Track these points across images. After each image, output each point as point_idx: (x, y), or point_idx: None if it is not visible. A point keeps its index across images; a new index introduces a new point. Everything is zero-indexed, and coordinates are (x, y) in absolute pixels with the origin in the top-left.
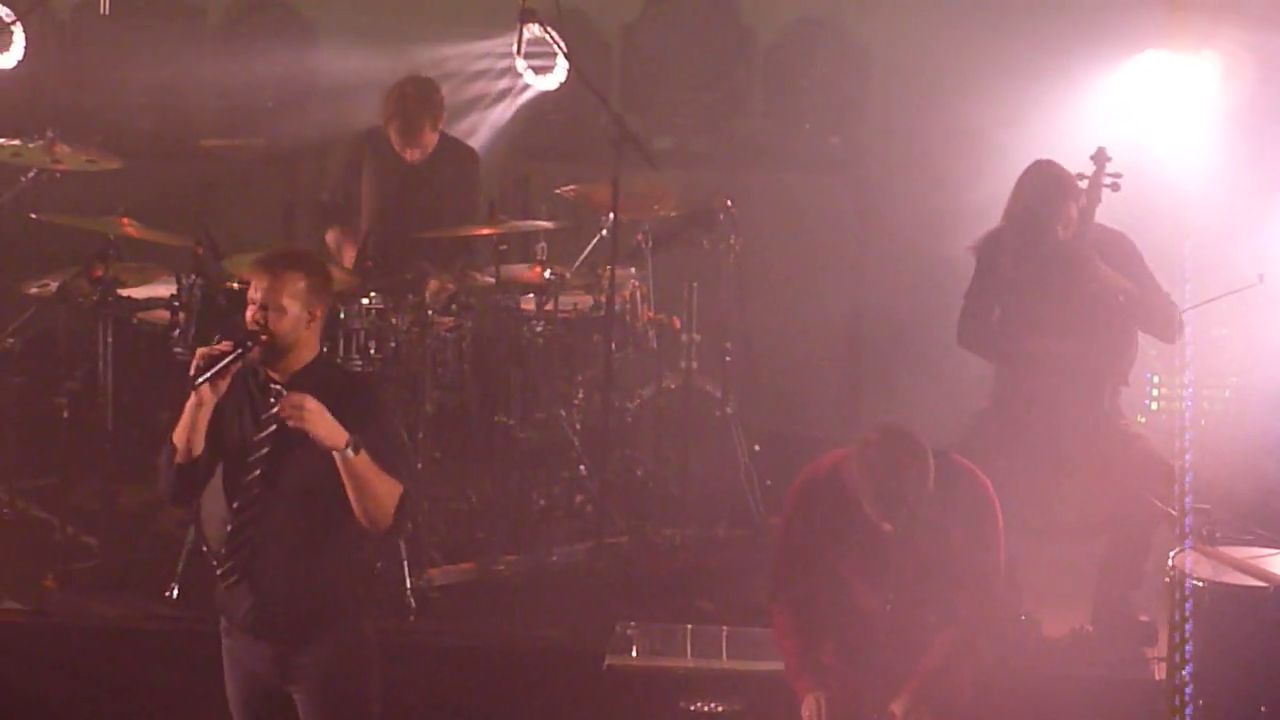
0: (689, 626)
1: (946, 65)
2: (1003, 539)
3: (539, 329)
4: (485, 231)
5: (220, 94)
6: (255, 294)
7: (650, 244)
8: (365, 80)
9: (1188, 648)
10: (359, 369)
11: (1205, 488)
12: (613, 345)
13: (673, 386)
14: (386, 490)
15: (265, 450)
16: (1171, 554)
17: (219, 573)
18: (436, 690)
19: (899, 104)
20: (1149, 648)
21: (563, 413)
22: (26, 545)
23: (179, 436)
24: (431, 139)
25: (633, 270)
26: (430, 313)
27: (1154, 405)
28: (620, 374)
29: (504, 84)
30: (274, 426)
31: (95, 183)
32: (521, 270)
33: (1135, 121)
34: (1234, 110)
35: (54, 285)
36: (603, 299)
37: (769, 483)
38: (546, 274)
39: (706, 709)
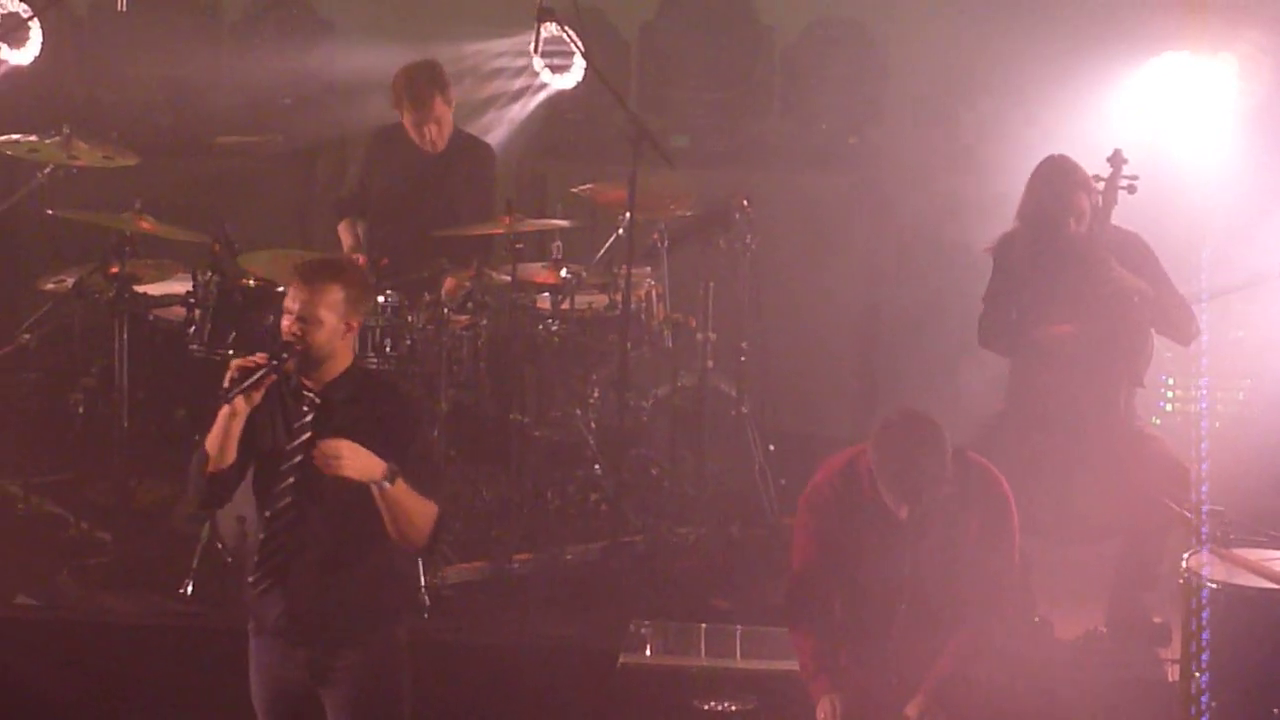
0: (703, 625)
1: (964, 66)
2: (1017, 538)
3: (554, 327)
4: (501, 230)
5: (237, 91)
6: (292, 304)
7: (666, 243)
8: (382, 78)
9: (1202, 650)
10: (374, 366)
11: (1219, 489)
12: (628, 344)
13: (688, 386)
14: (422, 512)
15: (299, 458)
16: (1185, 556)
17: (251, 580)
18: (450, 688)
19: (916, 104)
20: (1163, 649)
21: (578, 411)
22: (41, 541)
23: (212, 444)
24: (444, 112)
25: (649, 269)
26: (446, 311)
27: (1169, 407)
28: (635, 373)
29: (521, 82)
30: (307, 434)
31: (111, 179)
32: (537, 269)
33: (1152, 123)
34: (1251, 112)
35: (70, 281)
36: (618, 298)
37: (783, 482)
38: (562, 273)
39: (721, 708)
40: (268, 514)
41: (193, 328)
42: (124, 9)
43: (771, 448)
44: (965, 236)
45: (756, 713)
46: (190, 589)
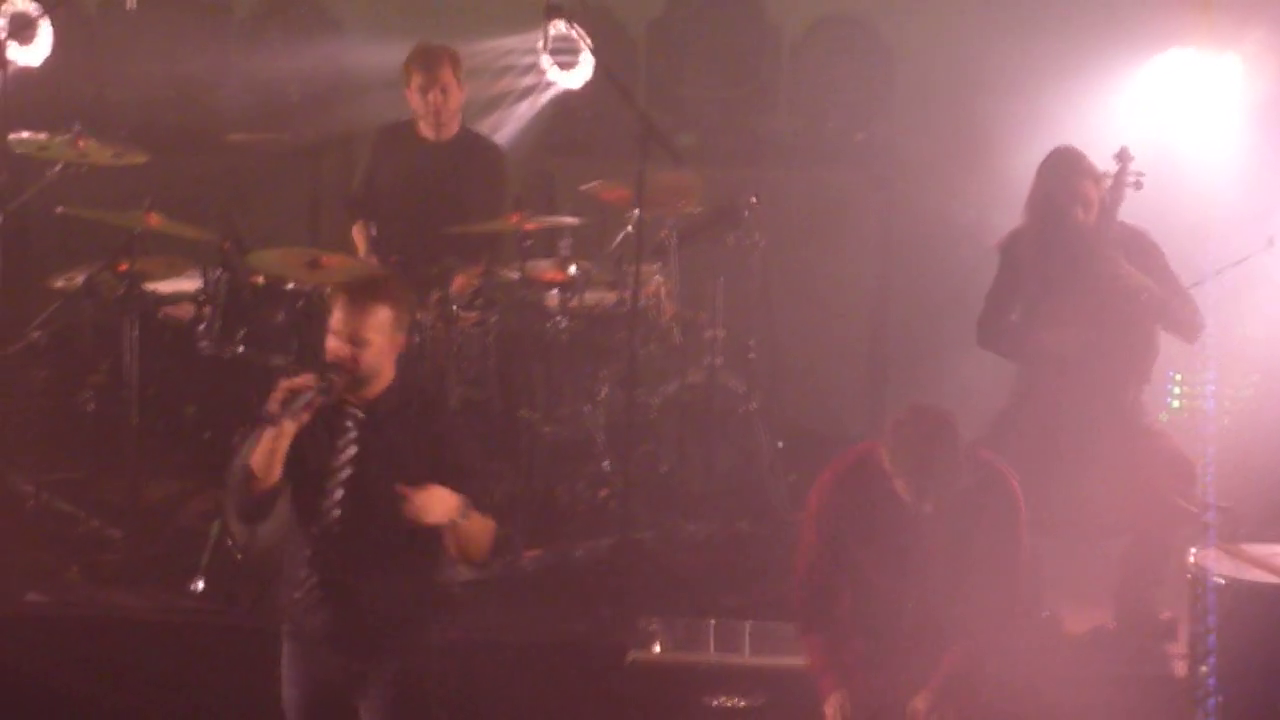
0: (712, 621)
1: (971, 62)
2: (1026, 534)
3: (563, 325)
4: (510, 227)
5: (246, 89)
6: (338, 325)
7: (675, 240)
8: (390, 76)
9: (1210, 645)
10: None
11: (1227, 485)
12: (637, 341)
13: (697, 382)
14: (483, 530)
15: (346, 474)
16: (1193, 551)
17: (297, 596)
18: (460, 685)
19: (924, 101)
20: (1171, 645)
21: (586, 408)
22: (51, 538)
23: (258, 464)
24: (451, 84)
25: (657, 266)
26: (455, 308)
27: (1176, 403)
28: (644, 370)
29: (529, 80)
30: (353, 451)
31: (121, 177)
32: (546, 266)
33: (1159, 119)
34: (1258, 108)
35: (80, 279)
36: (627, 295)
37: (793, 478)
38: (571, 270)
39: (730, 704)
40: (315, 530)
41: (202, 325)
42: (133, 7)
43: (780, 444)
44: (974, 232)
45: (765, 709)
46: (200, 585)
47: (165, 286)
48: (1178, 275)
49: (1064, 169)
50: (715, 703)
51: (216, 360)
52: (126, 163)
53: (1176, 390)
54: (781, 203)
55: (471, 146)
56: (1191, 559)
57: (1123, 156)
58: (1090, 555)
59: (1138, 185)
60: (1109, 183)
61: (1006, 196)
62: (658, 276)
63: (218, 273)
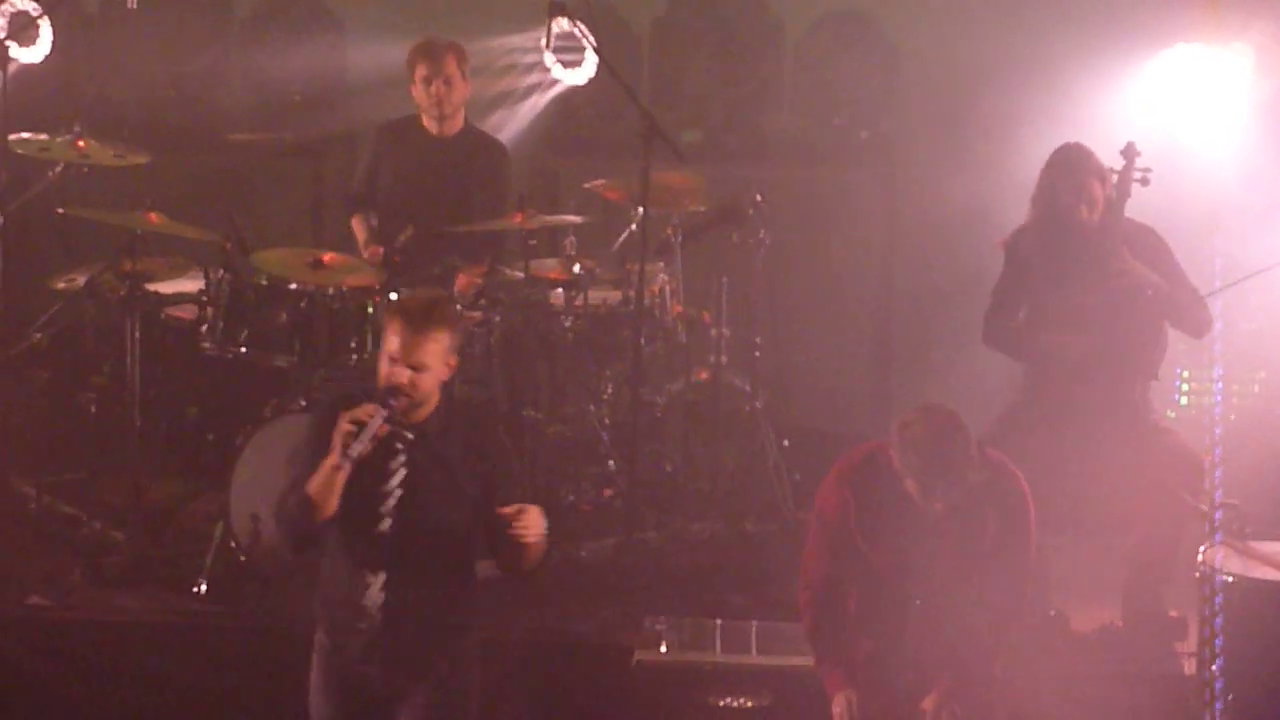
0: (718, 621)
1: (976, 58)
2: (1034, 533)
3: (568, 324)
4: (514, 226)
5: (247, 88)
6: (397, 351)
7: (680, 238)
8: (393, 75)
9: (1218, 643)
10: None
11: (1235, 482)
12: (642, 340)
13: (702, 380)
14: (540, 546)
15: (396, 495)
16: (1201, 549)
17: (339, 615)
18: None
19: (929, 97)
20: (1179, 643)
21: (591, 407)
22: (53, 540)
23: (318, 496)
24: (455, 76)
25: (662, 265)
26: (459, 307)
27: (1183, 400)
28: (649, 368)
29: (533, 78)
30: (404, 473)
31: (122, 177)
32: (550, 265)
33: (1166, 115)
34: (1265, 103)
35: (81, 280)
36: (632, 293)
37: (798, 477)
38: (575, 268)
39: (736, 704)
40: (362, 551)
41: (205, 326)
42: (134, 6)
43: (786, 443)
44: (979, 230)
45: (772, 708)
46: (204, 587)
47: (167, 287)
48: (1184, 271)
49: (1070, 167)
50: (722, 703)
51: (219, 361)
52: (128, 163)
53: (1184, 387)
54: (786, 200)
55: (475, 144)
56: (1200, 556)
57: (1129, 152)
58: (1098, 553)
59: (1144, 181)
60: (1115, 178)
61: (1012, 193)
62: (662, 275)
63: (220, 273)
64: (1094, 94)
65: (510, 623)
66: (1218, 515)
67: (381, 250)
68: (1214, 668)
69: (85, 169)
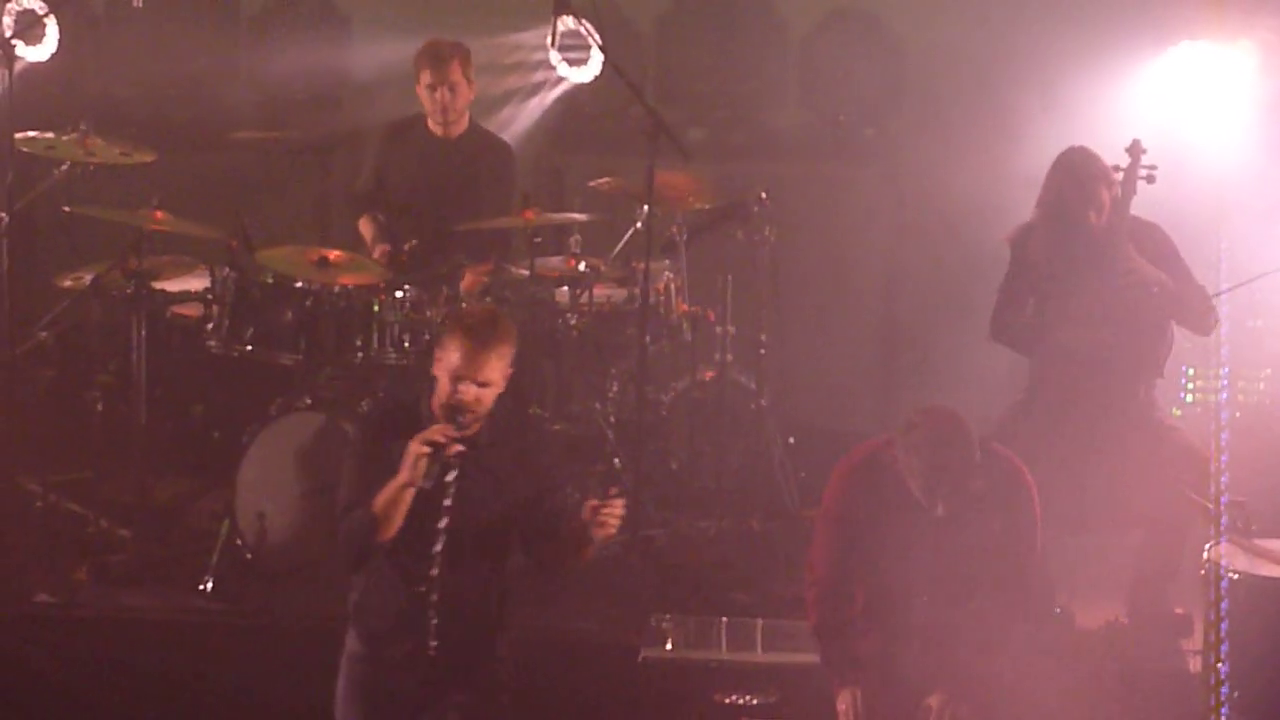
0: (724, 619)
1: (981, 56)
2: (1040, 529)
3: (573, 322)
4: (519, 224)
5: (253, 86)
6: (464, 369)
7: (685, 236)
8: (399, 73)
9: (1223, 640)
10: (393, 362)
11: (1241, 480)
12: (647, 338)
13: (707, 379)
14: (605, 541)
15: (448, 505)
16: (1207, 546)
17: (379, 624)
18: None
19: (934, 95)
20: (1184, 640)
21: (597, 405)
22: (60, 538)
23: (384, 516)
24: (460, 82)
25: (667, 263)
26: (464, 305)
27: (1189, 398)
28: (654, 367)
29: (538, 77)
30: (456, 485)
31: (128, 175)
32: (556, 263)
33: (1171, 112)
34: (1271, 100)
35: (87, 278)
36: (637, 292)
37: (803, 475)
38: (581, 266)
39: (741, 702)
40: (411, 561)
41: (210, 324)
42: (140, 5)
43: (791, 440)
44: (984, 227)
45: (778, 706)
46: (210, 586)
47: (173, 285)
48: (1190, 268)
49: (1076, 171)
50: (727, 700)
51: (225, 359)
52: (134, 161)
53: (1189, 385)
54: (791, 198)
55: (480, 143)
56: (1205, 554)
57: (1134, 150)
58: (1103, 550)
59: (1150, 179)
60: (1120, 176)
61: (1017, 190)
62: (667, 273)
63: (225, 271)
64: (1099, 91)
65: (515, 621)
66: (1223, 513)
67: (389, 249)
68: (1219, 665)
69: (91, 167)
